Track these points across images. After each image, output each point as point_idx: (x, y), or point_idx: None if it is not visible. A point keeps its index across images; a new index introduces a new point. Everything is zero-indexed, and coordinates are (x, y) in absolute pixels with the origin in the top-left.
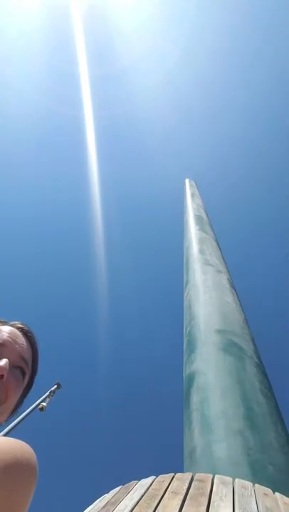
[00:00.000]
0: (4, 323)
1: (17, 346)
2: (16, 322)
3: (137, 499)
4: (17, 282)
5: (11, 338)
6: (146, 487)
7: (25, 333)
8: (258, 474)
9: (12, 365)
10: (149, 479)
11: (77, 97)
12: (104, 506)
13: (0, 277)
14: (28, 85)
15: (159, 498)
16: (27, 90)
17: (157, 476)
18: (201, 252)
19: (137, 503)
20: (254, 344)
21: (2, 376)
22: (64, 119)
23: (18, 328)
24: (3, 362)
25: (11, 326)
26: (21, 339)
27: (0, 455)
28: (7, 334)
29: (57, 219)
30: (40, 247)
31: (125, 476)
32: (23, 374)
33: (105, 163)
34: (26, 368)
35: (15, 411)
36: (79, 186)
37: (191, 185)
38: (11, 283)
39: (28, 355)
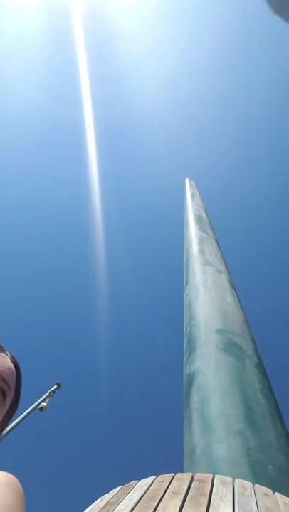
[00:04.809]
0: None
1: None
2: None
3: (136, 499)
4: (17, 282)
5: None
6: (146, 487)
7: (11, 359)
8: (258, 474)
9: None
10: (149, 479)
11: (77, 97)
12: (104, 506)
13: (0, 277)
14: (28, 85)
15: (159, 498)
16: (27, 90)
17: (157, 476)
18: (201, 252)
19: (136, 504)
20: (254, 344)
21: None
22: (64, 119)
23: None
24: None
25: None
26: (3, 362)
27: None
28: None
29: (57, 218)
30: (39, 247)
31: (125, 476)
32: (4, 395)
33: (105, 163)
34: (8, 389)
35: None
36: (79, 186)
37: (191, 185)
38: (11, 283)
39: (10, 378)
